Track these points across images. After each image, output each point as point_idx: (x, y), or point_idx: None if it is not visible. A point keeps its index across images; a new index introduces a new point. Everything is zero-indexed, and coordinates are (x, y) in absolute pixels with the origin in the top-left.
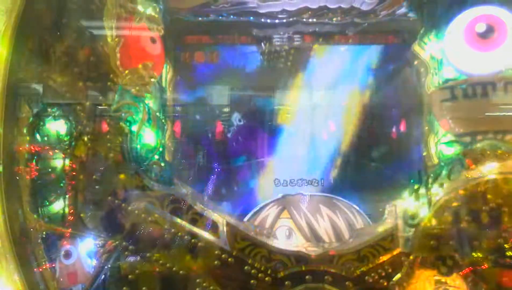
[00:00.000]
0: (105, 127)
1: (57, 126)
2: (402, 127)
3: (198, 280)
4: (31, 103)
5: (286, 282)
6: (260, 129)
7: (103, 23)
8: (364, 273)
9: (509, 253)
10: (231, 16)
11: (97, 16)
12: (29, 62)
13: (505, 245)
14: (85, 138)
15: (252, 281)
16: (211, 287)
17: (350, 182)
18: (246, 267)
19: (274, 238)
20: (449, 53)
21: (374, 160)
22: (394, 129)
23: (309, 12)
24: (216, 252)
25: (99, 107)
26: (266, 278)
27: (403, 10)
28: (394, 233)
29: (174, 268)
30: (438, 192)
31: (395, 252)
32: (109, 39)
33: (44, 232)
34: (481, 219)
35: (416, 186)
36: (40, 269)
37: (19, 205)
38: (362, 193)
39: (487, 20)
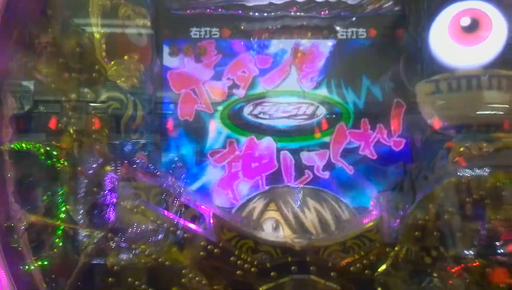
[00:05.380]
0: (91, 119)
1: (43, 119)
2: (390, 120)
3: (184, 271)
4: (23, 100)
5: (272, 273)
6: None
7: (88, 14)
8: (349, 264)
9: (492, 246)
10: (219, 10)
11: (82, 7)
12: (14, 53)
13: (489, 238)
14: (71, 130)
15: (238, 272)
16: (197, 278)
17: (338, 175)
18: (232, 258)
19: (261, 230)
20: (434, 47)
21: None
22: (382, 122)
23: (297, 6)
24: (202, 243)
25: (85, 99)
26: (252, 269)
27: (390, 4)
28: (379, 225)
29: (160, 260)
30: (423, 184)
31: (380, 243)
32: (94, 31)
33: (29, 224)
34: (465, 211)
35: (401, 178)
36: (26, 262)
37: (4, 197)
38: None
39: (472, 14)
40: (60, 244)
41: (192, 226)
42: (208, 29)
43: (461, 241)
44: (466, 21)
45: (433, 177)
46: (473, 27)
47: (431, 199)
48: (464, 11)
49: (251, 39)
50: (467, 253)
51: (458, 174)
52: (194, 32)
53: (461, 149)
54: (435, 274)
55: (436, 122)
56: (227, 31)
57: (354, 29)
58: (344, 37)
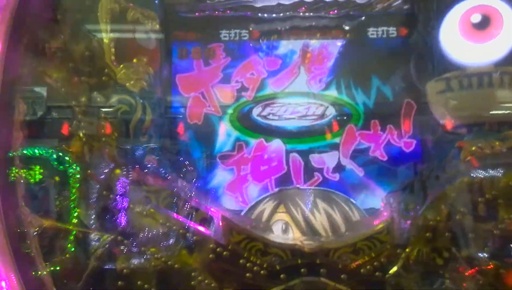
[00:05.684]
0: (101, 123)
1: (55, 125)
2: (400, 120)
3: (193, 274)
4: (35, 105)
5: (282, 276)
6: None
7: (97, 18)
8: (360, 266)
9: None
10: (227, 12)
11: (91, 11)
12: (25, 58)
13: (502, 239)
14: (81, 134)
15: (247, 275)
16: (206, 281)
17: (348, 177)
18: (241, 261)
19: (270, 232)
20: (444, 45)
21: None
22: (392, 123)
23: (305, 6)
24: (211, 246)
25: (95, 102)
26: (262, 272)
27: (399, 2)
28: (390, 226)
29: (169, 263)
30: (434, 184)
31: (391, 245)
32: (103, 34)
33: (39, 228)
34: (477, 211)
35: (411, 179)
36: (36, 266)
37: (15, 201)
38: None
39: (482, 10)
40: (72, 249)
41: (202, 229)
42: (237, 31)
43: (474, 242)
44: (476, 18)
45: (444, 177)
46: (484, 24)
47: (442, 199)
48: (475, 8)
49: (260, 40)
50: (481, 255)
51: (471, 174)
52: (224, 34)
53: (473, 148)
54: (447, 276)
55: (447, 121)
56: (257, 33)
57: (385, 28)
58: (375, 36)
